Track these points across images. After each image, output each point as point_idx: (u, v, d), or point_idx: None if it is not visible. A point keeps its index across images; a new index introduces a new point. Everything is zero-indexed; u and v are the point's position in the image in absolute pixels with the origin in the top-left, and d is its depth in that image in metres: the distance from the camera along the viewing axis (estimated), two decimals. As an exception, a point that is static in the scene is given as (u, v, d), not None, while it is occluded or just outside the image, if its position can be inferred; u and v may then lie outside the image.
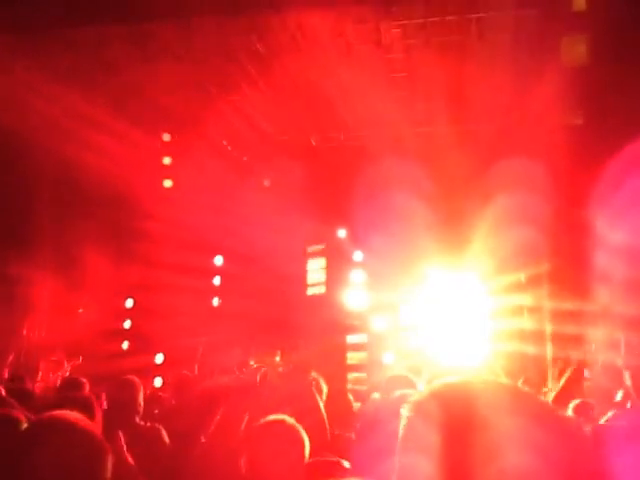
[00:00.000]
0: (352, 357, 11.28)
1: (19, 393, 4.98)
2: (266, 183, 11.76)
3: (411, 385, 4.43)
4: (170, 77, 9.90)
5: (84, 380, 4.95)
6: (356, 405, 6.06)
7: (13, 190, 10.87)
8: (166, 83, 10.03)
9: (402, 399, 3.63)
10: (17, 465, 1.73)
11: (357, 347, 11.39)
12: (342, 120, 10.78)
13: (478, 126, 10.01)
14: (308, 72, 9.47)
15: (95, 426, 1.81)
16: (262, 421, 2.98)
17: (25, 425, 3.06)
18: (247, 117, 11.06)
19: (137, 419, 4.58)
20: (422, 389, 4.56)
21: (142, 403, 4.69)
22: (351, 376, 11.02)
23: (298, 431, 2.90)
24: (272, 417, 2.98)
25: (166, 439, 4.47)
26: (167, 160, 11.95)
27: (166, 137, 11.76)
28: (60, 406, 2.86)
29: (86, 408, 3.53)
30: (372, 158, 10.12)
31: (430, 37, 8.96)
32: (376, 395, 5.39)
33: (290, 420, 2.95)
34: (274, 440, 2.84)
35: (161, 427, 4.45)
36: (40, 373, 10.43)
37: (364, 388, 10.38)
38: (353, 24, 8.80)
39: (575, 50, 8.75)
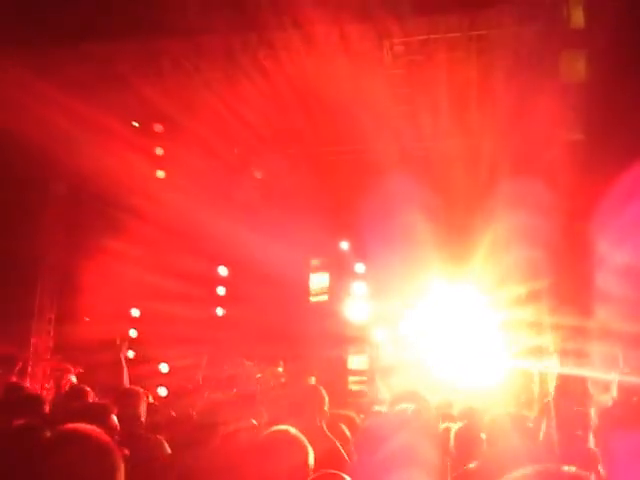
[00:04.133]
0: (353, 376, 11.31)
1: (30, 400, 5.09)
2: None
3: (422, 401, 4.45)
4: (179, 90, 10.07)
5: (88, 389, 5.03)
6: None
7: (21, 198, 11.01)
8: (176, 96, 10.19)
9: (403, 414, 3.72)
10: (36, 476, 1.82)
11: (359, 365, 11.41)
12: (346, 133, 10.89)
13: (480, 141, 10.09)
14: (313, 86, 9.58)
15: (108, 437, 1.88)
16: (266, 432, 3.05)
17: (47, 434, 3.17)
18: (253, 129, 11.20)
19: (140, 430, 4.65)
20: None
21: (144, 414, 4.77)
22: (353, 387, 11.04)
23: (302, 441, 2.95)
24: (276, 428, 3.05)
25: (168, 450, 4.55)
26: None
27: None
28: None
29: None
30: (375, 171, 10.22)
31: (432, 54, 9.08)
32: (378, 408, 5.42)
33: (293, 430, 2.99)
34: (278, 450, 2.89)
35: (163, 439, 4.52)
36: (50, 381, 10.53)
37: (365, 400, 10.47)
38: (357, 40, 8.93)
39: (575, 66, 8.83)
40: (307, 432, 3.61)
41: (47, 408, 5.03)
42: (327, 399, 4.39)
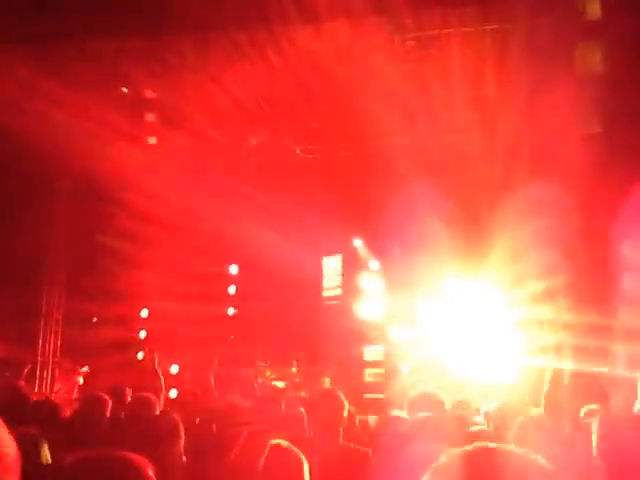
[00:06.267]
0: (369, 368, 11.15)
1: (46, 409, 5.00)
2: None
3: (439, 404, 4.35)
4: (187, 87, 9.97)
5: (107, 397, 4.91)
6: (372, 418, 5.99)
7: (28, 197, 10.92)
8: (183, 93, 10.09)
9: (424, 422, 3.60)
10: None
11: (375, 358, 11.25)
12: (358, 130, 10.77)
13: (495, 136, 9.94)
14: (324, 83, 9.49)
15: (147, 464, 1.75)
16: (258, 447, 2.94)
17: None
18: (263, 125, 11.11)
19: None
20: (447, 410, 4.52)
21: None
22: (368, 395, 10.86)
23: (297, 454, 2.86)
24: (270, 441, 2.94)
25: (183, 457, 4.46)
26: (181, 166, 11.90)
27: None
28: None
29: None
30: (388, 168, 10.12)
31: (445, 48, 8.93)
32: (397, 412, 5.34)
33: (285, 443, 2.91)
34: (272, 464, 2.81)
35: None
36: (58, 384, 10.46)
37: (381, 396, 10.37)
38: (368, 35, 8.79)
39: (591, 58, 8.70)
40: (326, 439, 3.50)
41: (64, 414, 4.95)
42: (347, 404, 4.26)
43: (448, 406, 4.96)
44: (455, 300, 10.88)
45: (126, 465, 1.68)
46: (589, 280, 8.99)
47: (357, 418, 4.98)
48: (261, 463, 2.80)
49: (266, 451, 2.85)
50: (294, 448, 2.86)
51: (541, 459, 1.37)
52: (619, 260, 8.35)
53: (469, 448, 1.36)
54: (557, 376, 4.96)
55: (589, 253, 8.93)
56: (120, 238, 11.42)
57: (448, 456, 1.37)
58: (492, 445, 1.39)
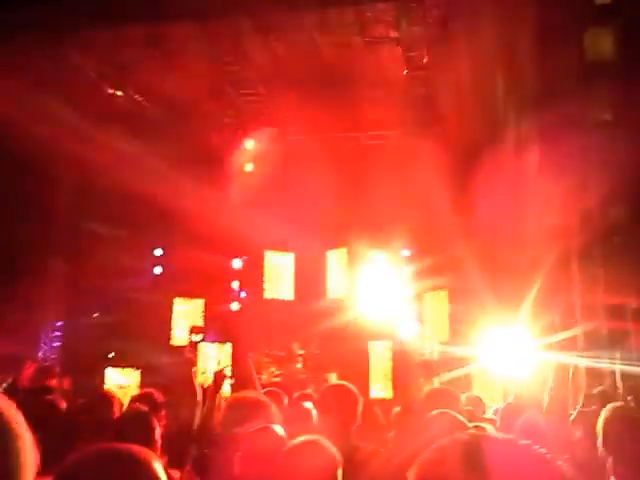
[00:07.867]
0: (375, 364, 11.00)
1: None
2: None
3: (453, 401, 4.19)
4: (187, 79, 9.87)
5: (113, 395, 4.77)
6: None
7: (29, 195, 10.82)
8: (183, 84, 10.00)
9: (439, 419, 3.44)
10: None
11: (381, 353, 11.10)
12: (363, 120, 10.68)
13: (502, 128, 9.76)
14: (328, 71, 9.39)
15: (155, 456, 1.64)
16: (294, 442, 2.84)
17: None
18: (265, 120, 11.02)
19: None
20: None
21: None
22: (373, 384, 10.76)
23: (332, 452, 2.76)
24: (304, 438, 2.85)
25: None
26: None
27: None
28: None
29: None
30: (395, 159, 10.04)
31: (451, 35, 8.79)
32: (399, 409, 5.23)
33: (323, 440, 2.82)
34: (306, 462, 2.71)
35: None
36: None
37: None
38: (372, 22, 8.67)
39: (600, 43, 8.59)
40: (337, 437, 3.37)
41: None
42: (361, 399, 4.10)
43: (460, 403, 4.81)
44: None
45: (134, 458, 1.57)
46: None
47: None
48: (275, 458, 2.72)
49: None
50: (330, 446, 2.78)
51: (534, 446, 1.37)
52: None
53: (455, 438, 1.38)
54: (561, 372, 4.81)
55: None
56: (123, 232, 11.32)
57: (434, 448, 1.37)
58: (477, 433, 1.43)
